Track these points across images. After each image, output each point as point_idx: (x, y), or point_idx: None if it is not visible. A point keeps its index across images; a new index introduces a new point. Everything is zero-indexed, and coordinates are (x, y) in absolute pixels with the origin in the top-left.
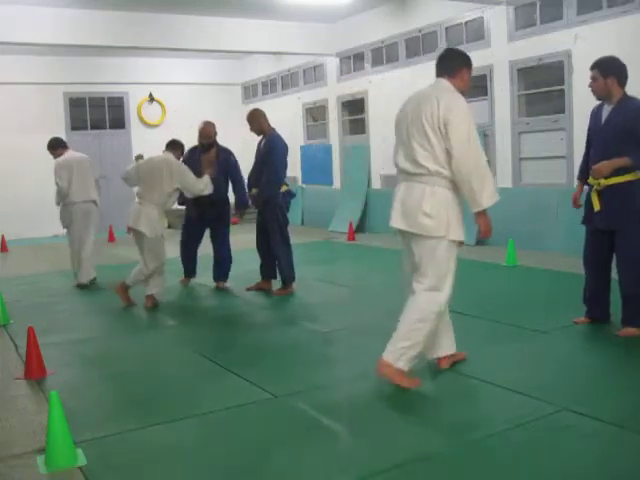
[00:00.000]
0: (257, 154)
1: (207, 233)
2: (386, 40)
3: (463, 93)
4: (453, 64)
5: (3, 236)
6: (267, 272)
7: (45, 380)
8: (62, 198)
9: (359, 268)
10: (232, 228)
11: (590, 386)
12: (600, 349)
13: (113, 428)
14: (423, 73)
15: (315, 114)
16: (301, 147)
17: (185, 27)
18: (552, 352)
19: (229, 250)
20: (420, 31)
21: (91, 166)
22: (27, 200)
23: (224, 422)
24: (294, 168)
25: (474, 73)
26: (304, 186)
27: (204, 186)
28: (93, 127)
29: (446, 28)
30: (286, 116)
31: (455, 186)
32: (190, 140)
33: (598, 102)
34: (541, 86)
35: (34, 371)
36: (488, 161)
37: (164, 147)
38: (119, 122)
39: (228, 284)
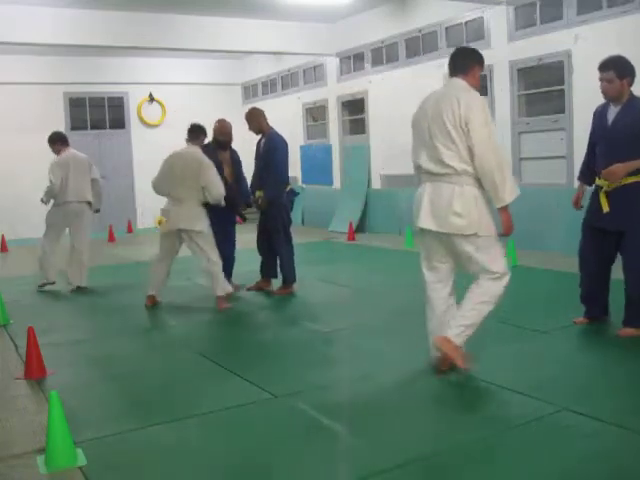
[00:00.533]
0: (257, 154)
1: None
2: (386, 40)
3: (476, 90)
4: (465, 62)
5: (3, 236)
6: (267, 271)
7: (45, 380)
8: (52, 197)
9: (359, 268)
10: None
11: (590, 386)
12: (600, 349)
13: (113, 428)
14: (423, 73)
15: (315, 114)
16: (301, 147)
17: (184, 27)
18: (552, 352)
19: (234, 248)
20: (420, 31)
21: (90, 167)
22: (27, 200)
23: (224, 422)
24: (294, 168)
25: None
26: (304, 186)
27: (222, 194)
28: (93, 127)
29: (446, 28)
30: (286, 116)
31: (481, 183)
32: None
33: (599, 102)
34: (541, 86)
35: (34, 371)
36: None
37: (187, 135)
38: (119, 122)
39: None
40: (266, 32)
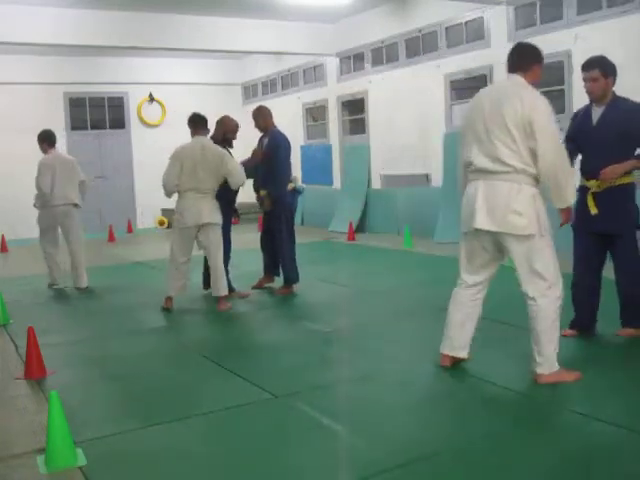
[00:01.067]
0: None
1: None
2: (386, 40)
3: (535, 87)
4: (527, 60)
5: (3, 236)
6: (271, 269)
7: (45, 380)
8: (43, 201)
9: (359, 268)
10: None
11: (590, 386)
12: (600, 349)
13: (113, 428)
14: (423, 73)
15: (315, 114)
16: (301, 147)
17: (182, 27)
18: None
19: (230, 246)
20: (420, 31)
21: (75, 168)
22: (27, 200)
23: (224, 422)
24: (294, 168)
25: (474, 73)
26: (304, 186)
27: (244, 179)
28: (93, 127)
29: (446, 28)
30: (286, 116)
31: (537, 182)
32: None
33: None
34: (541, 86)
35: (34, 371)
36: None
37: (192, 126)
38: (119, 122)
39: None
40: (266, 32)
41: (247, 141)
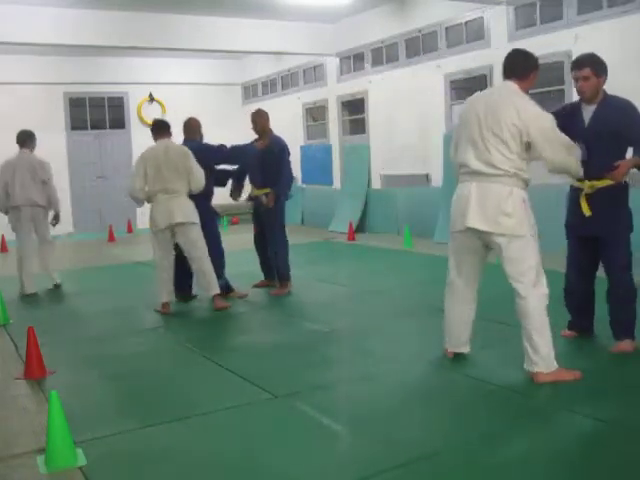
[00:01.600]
0: (262, 155)
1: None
2: (386, 40)
3: (527, 93)
4: (523, 68)
5: (3, 236)
6: (269, 272)
7: (45, 380)
8: (2, 201)
9: (359, 268)
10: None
11: (590, 386)
12: (599, 349)
13: (113, 428)
14: (423, 73)
15: (315, 114)
16: (301, 147)
17: (182, 27)
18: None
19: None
20: (420, 31)
21: (36, 169)
22: None
23: (224, 422)
24: (294, 168)
25: (474, 73)
26: (304, 186)
27: (203, 182)
28: (93, 127)
29: (446, 28)
30: (286, 116)
31: (527, 186)
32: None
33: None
34: (541, 86)
35: (34, 371)
36: None
37: (155, 133)
38: (119, 122)
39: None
40: (265, 32)
41: (247, 141)
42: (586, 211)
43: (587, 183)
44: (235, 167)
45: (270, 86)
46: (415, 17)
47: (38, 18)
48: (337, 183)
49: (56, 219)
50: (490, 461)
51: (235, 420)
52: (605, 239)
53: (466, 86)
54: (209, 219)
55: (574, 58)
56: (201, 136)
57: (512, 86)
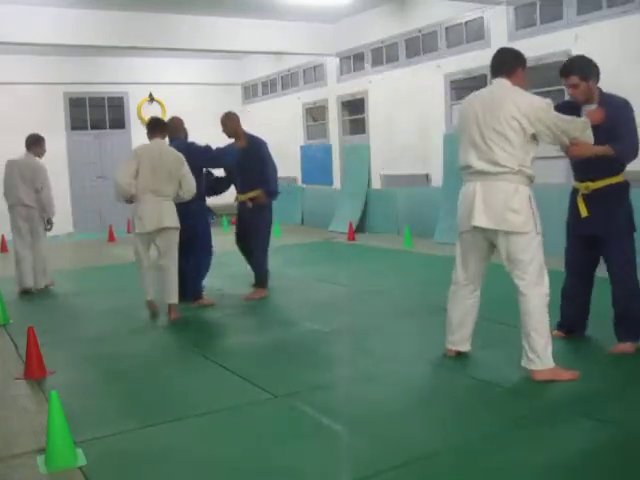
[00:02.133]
0: (241, 157)
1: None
2: (386, 40)
3: (522, 88)
4: (509, 63)
5: (3, 236)
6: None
7: (45, 380)
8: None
9: (359, 268)
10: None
11: (590, 386)
12: (599, 349)
13: (113, 428)
14: (423, 73)
15: (315, 114)
16: (301, 147)
17: (182, 27)
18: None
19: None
20: (420, 31)
21: (32, 173)
22: None
23: (224, 422)
24: (294, 168)
25: (475, 73)
26: (304, 186)
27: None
28: (93, 127)
29: (446, 28)
30: (286, 116)
31: (532, 182)
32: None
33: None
34: (541, 86)
35: (34, 371)
36: None
37: (150, 132)
38: (119, 122)
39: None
40: (265, 32)
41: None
42: (582, 212)
43: (582, 184)
44: (224, 175)
45: (270, 86)
46: (415, 17)
47: (38, 18)
48: (337, 183)
49: (49, 224)
50: (490, 461)
51: (235, 420)
52: (605, 238)
53: (466, 86)
54: (199, 221)
55: (562, 65)
56: (185, 134)
57: (505, 82)
